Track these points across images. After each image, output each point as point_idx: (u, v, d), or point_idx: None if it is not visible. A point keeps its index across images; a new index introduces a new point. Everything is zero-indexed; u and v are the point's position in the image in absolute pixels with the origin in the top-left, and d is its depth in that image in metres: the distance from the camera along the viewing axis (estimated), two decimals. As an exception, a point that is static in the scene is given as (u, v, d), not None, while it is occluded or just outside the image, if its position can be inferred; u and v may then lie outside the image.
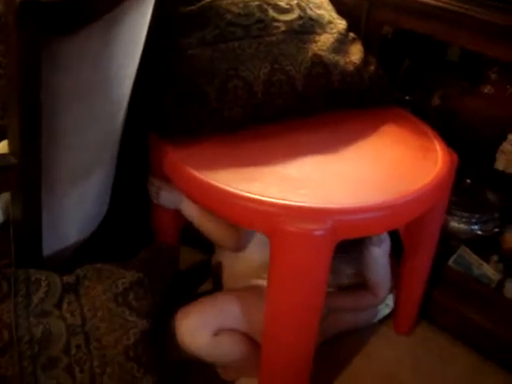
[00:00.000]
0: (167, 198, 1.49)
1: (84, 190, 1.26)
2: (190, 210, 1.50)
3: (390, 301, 1.67)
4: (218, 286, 1.62)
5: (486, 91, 1.67)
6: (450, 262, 1.72)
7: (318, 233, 1.12)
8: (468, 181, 1.78)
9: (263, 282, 1.38)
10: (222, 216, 1.28)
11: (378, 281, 1.56)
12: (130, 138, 1.40)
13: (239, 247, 1.51)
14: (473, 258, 1.73)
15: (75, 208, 1.27)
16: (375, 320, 1.68)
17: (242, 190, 1.17)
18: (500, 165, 1.60)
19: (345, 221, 1.16)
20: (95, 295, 1.16)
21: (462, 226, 1.76)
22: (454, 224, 1.76)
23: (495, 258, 1.74)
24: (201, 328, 1.33)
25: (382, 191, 1.22)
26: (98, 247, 1.40)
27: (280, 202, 1.14)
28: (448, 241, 1.73)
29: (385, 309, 1.68)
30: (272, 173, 1.25)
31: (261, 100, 1.37)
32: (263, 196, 1.15)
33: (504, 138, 1.60)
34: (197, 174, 1.22)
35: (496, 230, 1.77)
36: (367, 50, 1.54)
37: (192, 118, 1.32)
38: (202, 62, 1.35)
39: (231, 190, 1.17)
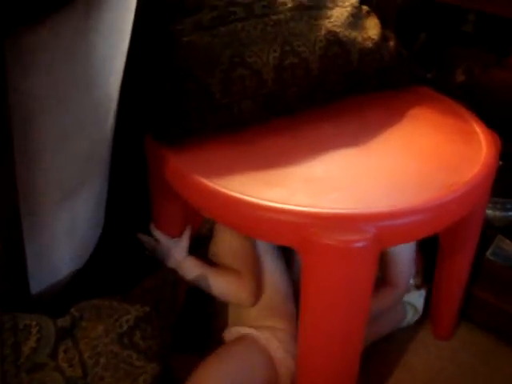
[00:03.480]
0: (164, 254, 1.22)
1: (73, 211, 1.02)
2: (194, 268, 1.20)
3: (418, 304, 1.44)
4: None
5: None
6: (488, 254, 1.49)
7: (359, 244, 0.88)
8: (500, 163, 1.54)
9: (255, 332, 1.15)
10: (240, 231, 1.03)
11: (400, 271, 1.32)
12: (124, 147, 1.15)
13: (256, 297, 1.19)
14: (511, 247, 1.51)
15: (65, 233, 1.01)
16: (405, 323, 1.44)
17: (261, 199, 0.92)
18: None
19: (390, 227, 0.91)
20: (96, 337, 0.92)
21: (497, 213, 1.53)
22: (488, 211, 1.52)
23: (535, 246, 1.52)
24: None
25: (426, 187, 0.98)
26: (91, 277, 1.14)
27: (309, 210, 0.90)
28: (483, 230, 1.50)
29: (414, 313, 1.44)
30: (294, 175, 1.00)
31: (272, 89, 1.12)
32: (288, 204, 0.91)
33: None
34: (206, 181, 0.98)
35: (533, 215, 1.54)
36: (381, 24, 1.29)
37: (194, 116, 1.08)
38: (200, 49, 1.10)
39: (249, 198, 0.93)
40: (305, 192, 0.96)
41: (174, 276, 1.07)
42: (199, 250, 1.26)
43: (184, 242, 1.21)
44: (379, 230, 0.89)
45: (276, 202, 0.92)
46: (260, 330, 1.14)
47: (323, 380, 1.02)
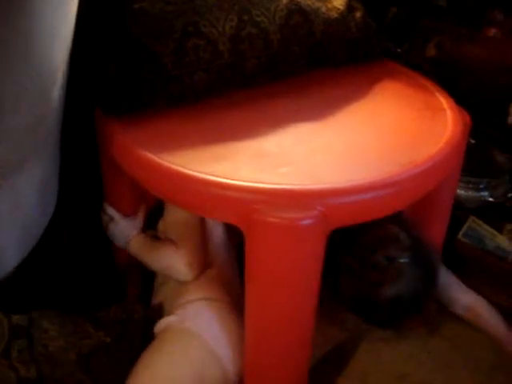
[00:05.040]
0: (115, 232, 1.15)
1: (16, 190, 0.94)
2: (138, 244, 1.13)
3: None
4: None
5: (491, 35, 1.34)
6: (460, 235, 1.42)
7: (304, 222, 0.81)
8: (473, 141, 1.46)
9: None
10: (184, 208, 0.96)
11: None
12: (77, 122, 1.07)
13: (195, 270, 1.07)
14: (484, 228, 1.43)
15: (8, 214, 0.94)
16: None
17: (205, 173, 0.85)
18: (513, 120, 1.29)
19: (339, 205, 0.84)
20: (55, 350, 0.85)
21: (470, 194, 1.45)
22: (461, 192, 1.45)
23: (510, 226, 1.44)
24: None
25: (384, 163, 0.90)
26: (40, 265, 1.06)
27: (254, 185, 0.83)
28: (454, 211, 1.42)
29: None
30: (245, 149, 0.93)
31: (229, 61, 1.04)
32: (232, 179, 0.84)
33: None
34: (151, 156, 0.90)
35: (509, 195, 1.46)
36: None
37: (144, 88, 0.99)
38: (151, 17, 1.01)
39: (192, 173, 0.85)
40: (252, 166, 0.88)
41: (141, 313, 1.00)
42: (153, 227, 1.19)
43: (138, 220, 1.14)
44: (327, 208, 0.82)
45: (219, 177, 0.84)
46: (192, 304, 1.06)
47: (273, 363, 0.95)
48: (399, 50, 1.40)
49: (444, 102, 1.10)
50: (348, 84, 1.17)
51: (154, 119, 0.99)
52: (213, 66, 1.03)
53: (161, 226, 1.14)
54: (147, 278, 1.24)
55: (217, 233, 1.13)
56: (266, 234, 0.82)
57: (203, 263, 1.08)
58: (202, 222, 1.11)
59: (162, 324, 1.05)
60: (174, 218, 1.10)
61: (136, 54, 1.00)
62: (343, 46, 1.17)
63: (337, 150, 0.94)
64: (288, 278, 0.85)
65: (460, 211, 1.45)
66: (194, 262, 1.06)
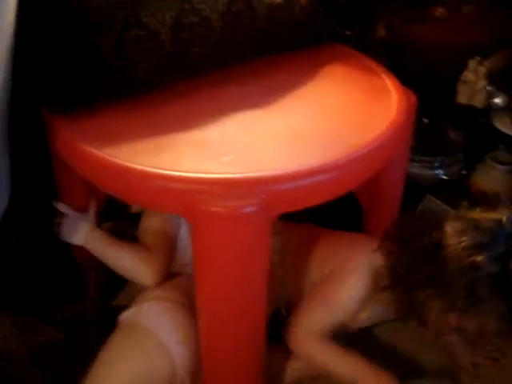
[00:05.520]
0: (66, 227, 1.12)
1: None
2: (99, 241, 1.11)
3: None
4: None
5: (437, 14, 1.34)
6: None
7: (247, 210, 0.81)
8: (426, 120, 1.47)
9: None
10: (130, 201, 0.95)
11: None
12: (26, 119, 1.05)
13: (161, 277, 1.08)
14: (440, 206, 1.45)
15: None
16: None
17: (148, 166, 0.84)
18: (462, 98, 1.29)
19: (281, 191, 0.84)
20: (7, 348, 0.85)
21: (425, 172, 1.47)
22: (415, 170, 1.47)
23: (465, 203, 1.45)
24: None
25: (327, 148, 0.90)
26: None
27: (196, 175, 0.82)
28: (410, 190, 1.43)
29: None
30: (188, 140, 0.92)
31: (171, 50, 1.02)
32: (174, 170, 0.83)
33: (464, 67, 1.29)
34: (95, 151, 0.89)
35: (463, 172, 1.48)
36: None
37: (86, 82, 0.98)
38: (93, 9, 0.99)
39: (135, 166, 0.85)
40: (195, 157, 0.88)
41: (95, 313, 1.00)
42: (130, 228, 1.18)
43: (91, 215, 1.13)
44: (269, 195, 0.82)
45: (162, 169, 0.84)
46: (148, 302, 1.05)
47: (227, 353, 0.95)
48: (348, 33, 1.40)
49: (389, 83, 1.10)
50: (295, 69, 1.16)
51: (97, 113, 0.98)
52: (155, 56, 1.01)
53: (140, 226, 1.14)
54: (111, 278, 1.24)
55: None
56: (210, 224, 0.82)
57: (167, 273, 1.09)
58: (177, 232, 1.12)
59: (120, 318, 1.06)
60: (149, 224, 1.11)
61: (78, 47, 0.98)
62: (288, 31, 1.16)
63: (281, 136, 0.94)
64: (235, 266, 0.85)
65: (415, 190, 1.46)
66: (161, 271, 1.07)
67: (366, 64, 1.18)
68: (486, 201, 1.42)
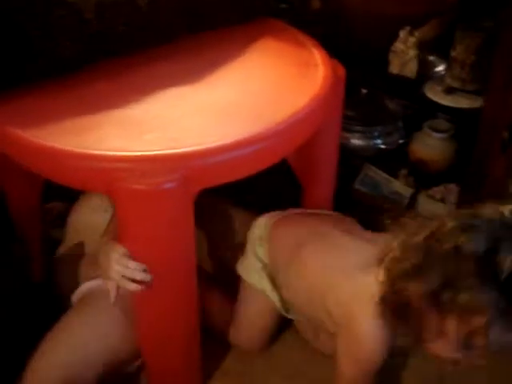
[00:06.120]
0: None
1: None
2: None
3: None
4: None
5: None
6: (356, 183, 1.46)
7: (167, 186, 0.83)
8: (364, 91, 1.49)
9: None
10: (56, 181, 0.95)
11: None
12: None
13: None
14: (380, 175, 1.48)
15: None
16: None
17: (71, 145, 0.85)
18: (394, 68, 1.31)
19: (201, 166, 0.85)
20: None
21: (364, 142, 1.50)
22: (355, 141, 1.49)
23: (404, 171, 1.49)
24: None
25: (249, 123, 0.92)
26: None
27: (117, 153, 0.84)
28: (349, 161, 1.46)
29: None
30: (111, 119, 0.92)
31: (97, 29, 1.02)
32: (96, 149, 0.84)
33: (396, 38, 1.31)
34: (18, 131, 0.89)
35: (401, 141, 1.51)
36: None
37: (12, 64, 0.97)
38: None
39: (57, 146, 0.85)
40: (118, 135, 0.88)
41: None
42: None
43: None
44: (189, 171, 0.84)
45: (84, 148, 0.84)
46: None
47: (162, 329, 0.98)
48: (284, 6, 1.40)
49: (318, 57, 1.11)
50: (227, 45, 1.17)
51: (22, 94, 0.97)
52: (81, 35, 1.01)
53: None
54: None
55: None
56: (131, 201, 0.84)
57: None
58: None
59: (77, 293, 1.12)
60: None
61: (2, 28, 0.98)
62: (220, 6, 1.17)
63: (206, 112, 0.95)
64: (160, 242, 0.87)
65: (355, 160, 1.49)
66: None
67: (298, 38, 1.19)
68: (425, 168, 1.46)
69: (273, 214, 1.19)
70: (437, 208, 1.38)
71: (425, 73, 1.33)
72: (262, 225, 1.16)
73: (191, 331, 1.02)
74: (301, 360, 1.22)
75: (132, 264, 0.88)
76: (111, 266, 0.91)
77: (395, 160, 1.50)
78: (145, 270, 0.88)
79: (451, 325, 0.81)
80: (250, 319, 1.19)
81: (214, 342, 1.21)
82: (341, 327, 1.00)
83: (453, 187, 1.38)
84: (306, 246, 1.08)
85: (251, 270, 1.16)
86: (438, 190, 1.39)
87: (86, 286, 1.13)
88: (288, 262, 1.10)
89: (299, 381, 1.18)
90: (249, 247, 1.17)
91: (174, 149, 0.84)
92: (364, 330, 0.94)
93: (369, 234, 1.11)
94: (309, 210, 1.22)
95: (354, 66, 1.18)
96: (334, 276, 1.02)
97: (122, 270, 0.89)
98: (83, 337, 1.06)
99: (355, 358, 0.98)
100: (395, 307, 0.88)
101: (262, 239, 1.14)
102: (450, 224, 0.83)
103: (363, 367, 0.98)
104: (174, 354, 1.03)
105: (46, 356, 1.03)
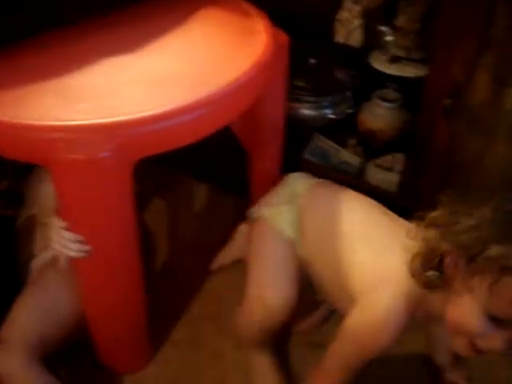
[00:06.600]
0: None
1: None
2: None
3: None
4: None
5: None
6: (305, 153, 1.47)
7: (103, 155, 0.82)
8: (312, 61, 1.49)
9: None
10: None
11: None
12: None
13: None
14: (329, 145, 1.49)
15: None
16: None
17: (6, 116, 0.83)
18: (340, 37, 1.32)
19: (137, 134, 0.84)
20: None
21: (313, 112, 1.49)
22: (304, 111, 1.49)
23: (353, 141, 1.50)
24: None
25: (187, 91, 0.91)
26: None
27: (52, 123, 0.82)
28: (299, 131, 1.46)
29: None
30: (49, 89, 0.90)
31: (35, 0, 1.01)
32: (31, 119, 0.83)
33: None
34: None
35: (350, 111, 1.52)
36: None
37: None
38: None
39: (-9, 117, 0.84)
40: (54, 105, 0.86)
41: None
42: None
43: None
44: (125, 140, 0.83)
45: (19, 118, 0.83)
46: None
47: (108, 301, 0.99)
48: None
49: (260, 25, 1.11)
50: (168, 14, 1.15)
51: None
52: (24, 5, 0.99)
53: None
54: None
55: None
56: (68, 171, 0.83)
57: None
58: None
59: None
60: None
61: None
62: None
63: (144, 81, 0.94)
64: (99, 211, 0.87)
65: (305, 130, 1.50)
66: None
67: (241, 7, 1.18)
68: (373, 138, 1.47)
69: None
70: (385, 177, 1.40)
71: (372, 42, 1.34)
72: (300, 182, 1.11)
73: (134, 300, 1.02)
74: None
75: (68, 235, 0.88)
76: (51, 237, 0.91)
77: (344, 130, 1.51)
78: (81, 242, 0.88)
79: (475, 280, 0.78)
80: (277, 268, 1.06)
81: (162, 311, 1.22)
82: (357, 304, 0.93)
83: (400, 156, 1.40)
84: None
85: (282, 218, 1.07)
86: (386, 160, 1.41)
87: (45, 255, 1.13)
88: (322, 225, 1.04)
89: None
90: (282, 197, 1.10)
91: (110, 117, 0.83)
92: (381, 309, 0.89)
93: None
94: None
95: (301, 37, 1.18)
96: (365, 254, 0.96)
97: (59, 240, 0.88)
98: (52, 298, 1.07)
99: (359, 338, 0.92)
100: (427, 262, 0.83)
101: (299, 195, 1.08)
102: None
103: (362, 349, 0.93)
104: (117, 321, 1.03)
105: (18, 321, 1.04)
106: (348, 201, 1.06)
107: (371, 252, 0.96)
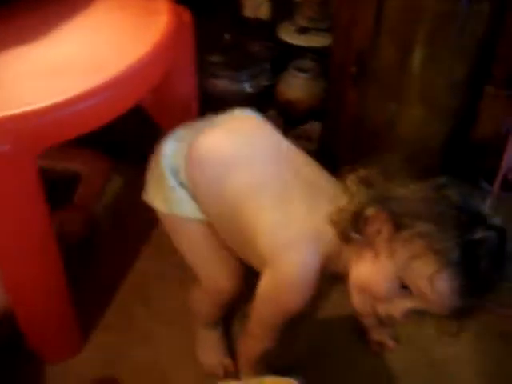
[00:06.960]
0: None
1: None
2: None
3: None
4: None
5: None
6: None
7: (1, 149, 0.82)
8: (227, 37, 1.50)
9: None
10: None
11: None
12: None
13: None
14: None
15: None
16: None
17: None
18: (248, 11, 1.33)
19: (34, 127, 0.84)
20: None
21: (232, 87, 1.51)
22: (224, 86, 1.50)
23: (273, 112, 1.52)
24: None
25: (87, 77, 0.91)
26: None
27: None
28: (219, 106, 1.47)
29: None
30: None
31: None
32: None
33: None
34: None
35: (268, 83, 1.53)
36: None
37: None
38: None
39: None
40: None
41: None
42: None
43: None
44: (22, 132, 0.83)
45: None
46: None
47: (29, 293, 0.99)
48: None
49: (163, 5, 1.10)
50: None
51: None
52: None
53: None
54: None
55: None
56: (-34, 168, 0.83)
57: None
58: None
59: None
60: None
61: None
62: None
63: (42, 71, 0.93)
64: (3, 206, 0.87)
65: (224, 105, 1.50)
66: None
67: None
68: (292, 108, 1.50)
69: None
70: (305, 147, 1.42)
71: (280, 15, 1.35)
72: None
73: (55, 286, 1.03)
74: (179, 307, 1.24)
75: None
76: None
77: (264, 102, 1.52)
78: None
79: (398, 247, 0.78)
80: (207, 252, 1.01)
81: (93, 295, 1.23)
82: (271, 264, 0.89)
83: (317, 125, 1.43)
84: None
85: (180, 201, 0.96)
86: (303, 129, 1.44)
87: None
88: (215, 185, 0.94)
89: (178, 326, 1.22)
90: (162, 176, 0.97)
91: (4, 111, 0.83)
92: (293, 270, 0.86)
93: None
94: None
95: (211, 14, 1.18)
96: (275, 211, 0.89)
97: None
98: None
99: (273, 299, 0.91)
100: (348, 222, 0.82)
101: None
102: None
103: (278, 310, 0.91)
104: (41, 310, 1.03)
105: None
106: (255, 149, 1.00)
107: (282, 209, 0.89)
